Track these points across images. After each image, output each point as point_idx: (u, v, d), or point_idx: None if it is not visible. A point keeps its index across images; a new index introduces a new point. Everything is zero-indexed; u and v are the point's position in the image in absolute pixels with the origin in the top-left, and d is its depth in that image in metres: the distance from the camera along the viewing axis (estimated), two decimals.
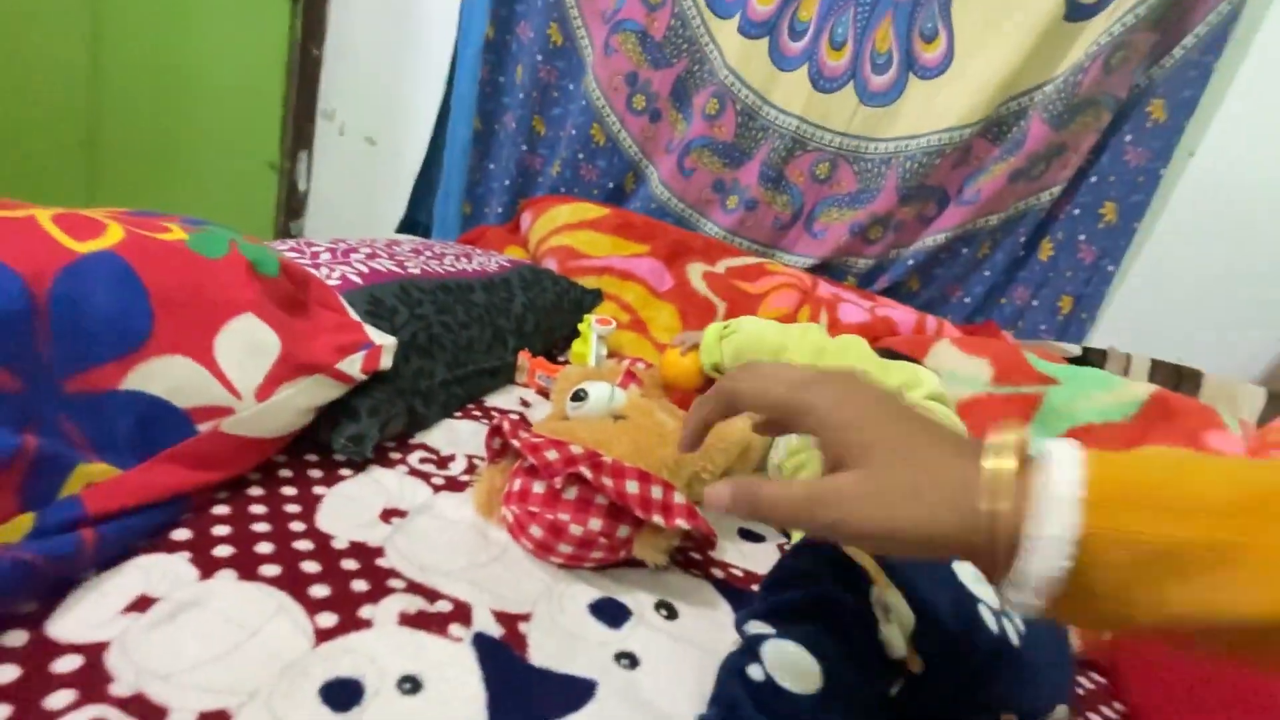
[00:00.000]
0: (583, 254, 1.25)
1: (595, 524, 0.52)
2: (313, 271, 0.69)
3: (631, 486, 0.51)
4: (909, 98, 1.34)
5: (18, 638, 0.38)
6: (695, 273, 1.24)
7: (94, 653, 0.38)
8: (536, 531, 0.53)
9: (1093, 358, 1.16)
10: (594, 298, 1.17)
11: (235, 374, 0.52)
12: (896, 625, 0.41)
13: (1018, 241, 1.39)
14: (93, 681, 0.37)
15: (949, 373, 0.88)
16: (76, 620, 0.40)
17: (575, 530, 0.52)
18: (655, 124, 1.46)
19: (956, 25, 1.28)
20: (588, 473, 0.51)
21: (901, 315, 1.20)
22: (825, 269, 1.44)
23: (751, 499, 0.30)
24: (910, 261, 1.42)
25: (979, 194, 1.34)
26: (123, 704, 0.36)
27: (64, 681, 0.37)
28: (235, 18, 1.47)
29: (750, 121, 1.40)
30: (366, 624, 0.45)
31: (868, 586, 0.42)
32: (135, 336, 0.47)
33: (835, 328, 1.11)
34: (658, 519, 0.51)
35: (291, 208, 1.75)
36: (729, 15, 1.35)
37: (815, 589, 0.42)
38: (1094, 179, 1.32)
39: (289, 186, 1.73)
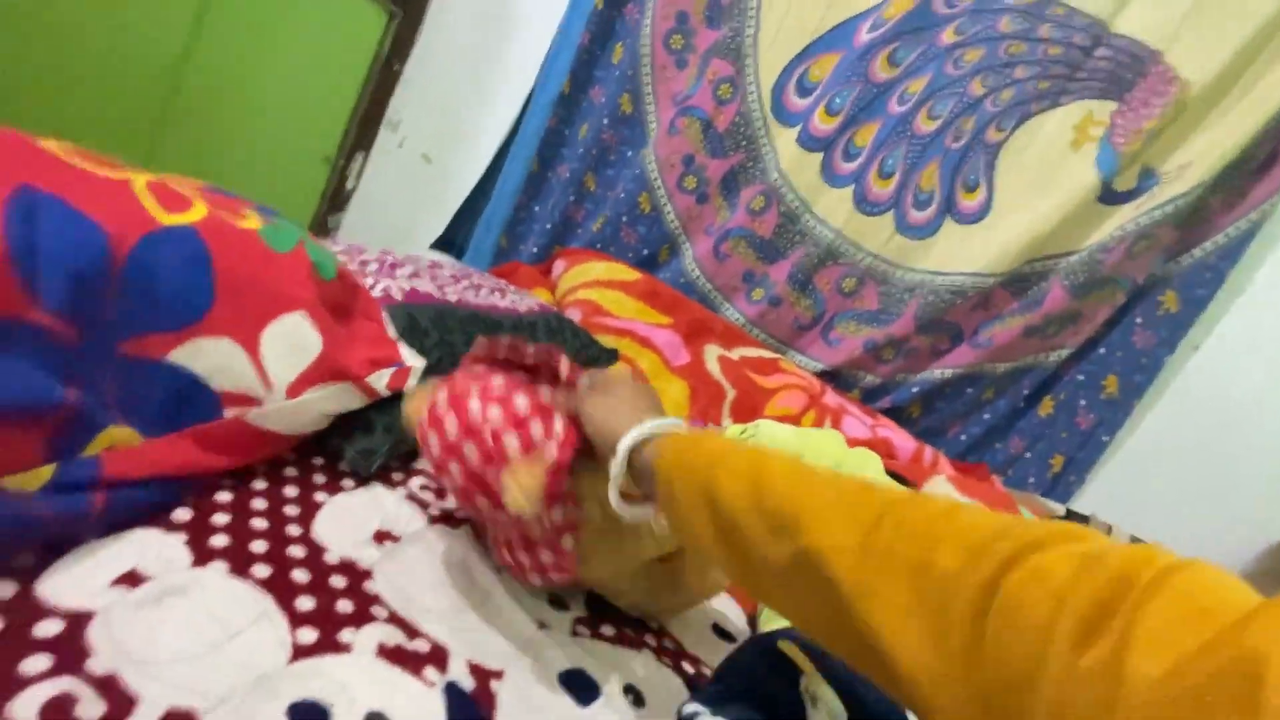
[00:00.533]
0: (607, 312, 1.28)
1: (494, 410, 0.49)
2: (361, 281, 0.71)
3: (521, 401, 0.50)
4: (943, 236, 1.41)
5: (5, 589, 0.37)
6: (711, 354, 1.26)
7: (77, 622, 0.38)
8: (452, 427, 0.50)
9: (1075, 520, 1.18)
10: (610, 357, 1.19)
11: (274, 367, 0.53)
12: (825, 714, 0.44)
13: (1021, 393, 1.43)
14: (71, 652, 0.36)
15: None
16: (67, 583, 0.39)
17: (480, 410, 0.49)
18: (701, 205, 1.53)
19: (998, 182, 1.36)
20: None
21: (901, 440, 1.22)
22: (834, 377, 1.48)
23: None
24: (915, 389, 1.46)
25: (992, 340, 1.39)
26: (96, 683, 0.35)
27: (42, 646, 0.36)
28: (331, 24, 1.55)
29: (791, 224, 1.47)
30: (345, 648, 0.45)
31: (799, 678, 0.46)
32: (193, 312, 0.49)
33: None
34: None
35: (335, 202, 1.79)
36: (791, 124, 1.44)
37: (750, 678, 0.47)
38: (1102, 350, 1.38)
39: (338, 181, 1.77)
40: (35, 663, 0.35)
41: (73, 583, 0.39)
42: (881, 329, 1.45)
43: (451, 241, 1.69)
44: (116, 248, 0.45)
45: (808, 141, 1.42)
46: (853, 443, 1.13)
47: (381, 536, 0.57)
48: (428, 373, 0.72)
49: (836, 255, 1.46)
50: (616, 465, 0.44)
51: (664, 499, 0.42)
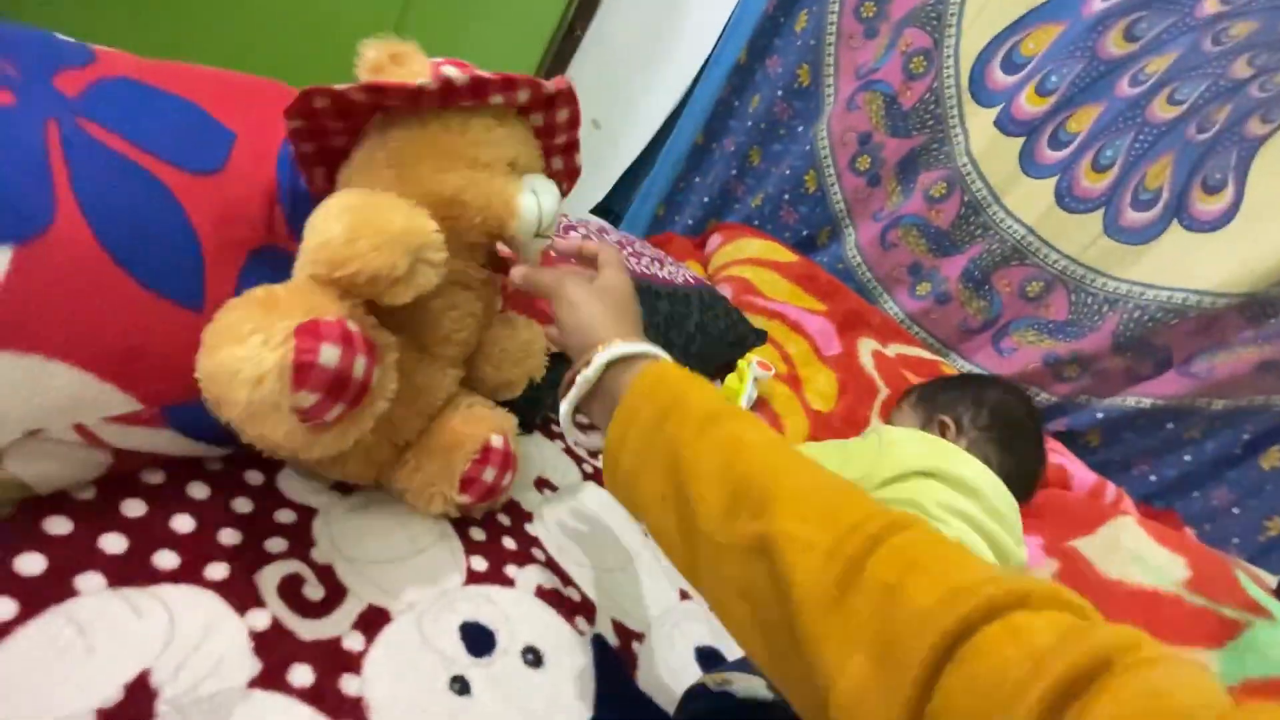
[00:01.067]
0: (759, 292, 1.24)
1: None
2: None
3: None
4: (1163, 244, 1.21)
5: (256, 478, 0.44)
6: (865, 348, 1.19)
7: (305, 515, 0.44)
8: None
9: None
10: (758, 338, 1.16)
11: None
12: None
13: (1239, 438, 1.21)
14: (300, 540, 0.42)
15: (1130, 550, 0.79)
16: (297, 481, 0.45)
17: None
18: (871, 188, 1.43)
19: (1252, 184, 1.14)
20: None
21: (1079, 471, 1.08)
22: None
23: (530, 274, 0.45)
24: (1100, 415, 1.29)
25: (1211, 371, 1.18)
26: (317, 570, 0.41)
27: (280, 530, 0.42)
28: None
29: (974, 215, 1.33)
30: (510, 582, 0.48)
31: None
32: None
33: None
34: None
35: None
36: (990, 105, 1.29)
37: None
38: None
39: None
40: (276, 543, 0.41)
41: (300, 481, 0.46)
42: (1067, 343, 1.29)
43: (609, 208, 1.73)
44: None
45: (1008, 125, 1.27)
46: None
47: (541, 484, 0.60)
48: None
49: (1024, 255, 1.31)
50: (586, 376, 0.39)
51: (617, 431, 0.37)
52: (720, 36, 1.52)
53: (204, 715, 0.31)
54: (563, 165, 0.54)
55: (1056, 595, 0.24)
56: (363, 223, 0.39)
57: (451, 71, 0.43)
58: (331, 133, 0.45)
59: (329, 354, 0.35)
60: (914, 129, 1.36)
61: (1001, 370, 1.34)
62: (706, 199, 1.56)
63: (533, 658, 0.43)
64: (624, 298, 0.43)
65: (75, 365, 0.34)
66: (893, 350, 1.22)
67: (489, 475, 0.49)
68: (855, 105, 1.38)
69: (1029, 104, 1.25)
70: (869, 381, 1.12)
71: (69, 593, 0.33)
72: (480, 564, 0.47)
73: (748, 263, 1.30)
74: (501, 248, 0.51)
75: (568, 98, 0.49)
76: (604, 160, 1.77)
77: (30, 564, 0.33)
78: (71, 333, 0.34)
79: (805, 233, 1.48)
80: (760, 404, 1.03)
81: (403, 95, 0.42)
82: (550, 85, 0.47)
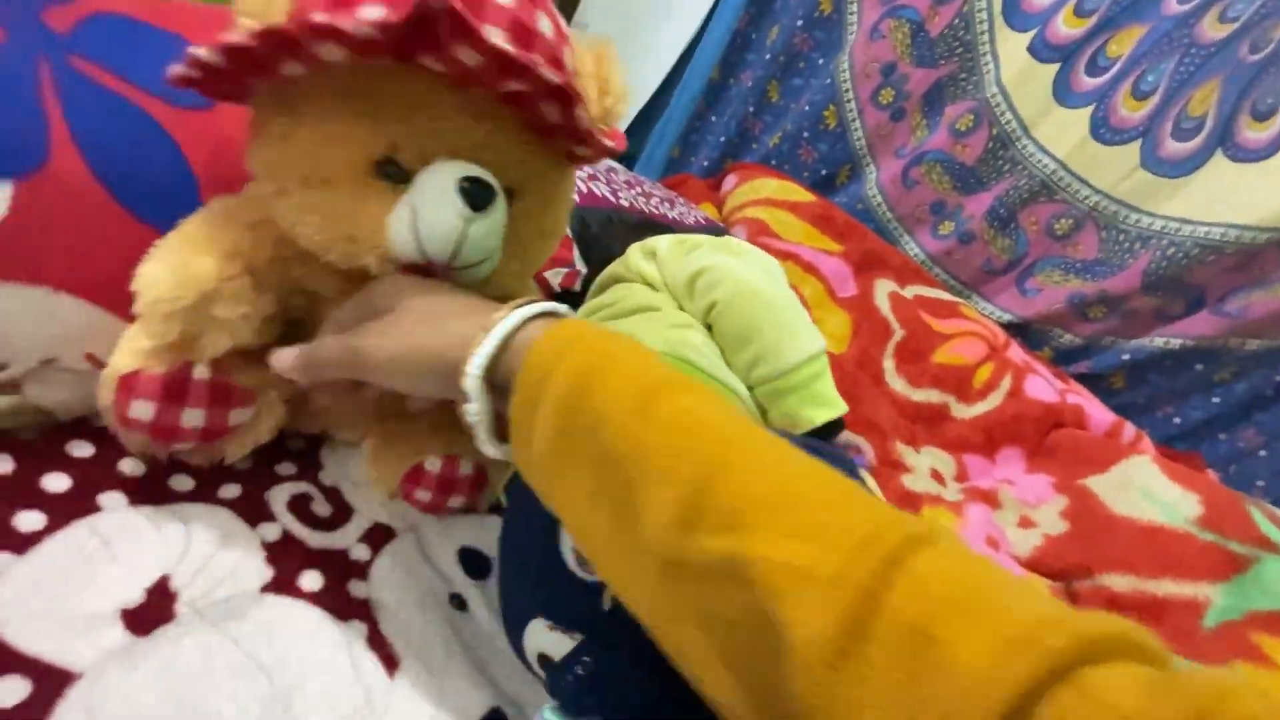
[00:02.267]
0: (774, 233, 1.22)
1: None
2: None
3: None
4: (1205, 176, 1.14)
5: None
6: (882, 290, 1.17)
7: (314, 441, 0.46)
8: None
9: None
10: None
11: None
12: None
13: (1272, 379, 1.17)
14: (309, 464, 0.45)
15: (1140, 488, 0.78)
16: None
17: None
18: (895, 123, 1.37)
19: None
20: None
21: (1097, 411, 1.06)
22: (1023, 331, 1.31)
23: (304, 360, 0.34)
24: (1126, 356, 1.25)
25: (1246, 310, 1.14)
26: (324, 491, 0.43)
27: (291, 456, 0.44)
28: None
29: (1002, 149, 1.27)
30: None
31: None
32: None
33: (1016, 398, 1.01)
34: None
35: None
36: (1023, 29, 1.22)
37: None
38: None
39: None
40: (285, 467, 0.43)
41: None
42: (1095, 282, 1.24)
43: (623, 152, 1.70)
44: None
45: (1042, 50, 1.20)
46: (1034, 406, 1.00)
47: None
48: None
49: (1053, 190, 1.25)
50: (475, 411, 0.29)
51: (521, 413, 0.28)
52: None
53: (220, 616, 0.34)
54: (559, 116, 0.33)
55: (1122, 637, 0.19)
56: (144, 277, 0.32)
57: (200, 51, 0.29)
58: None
59: (140, 409, 0.33)
60: (941, 58, 1.29)
61: (1024, 312, 1.31)
62: (723, 138, 1.51)
63: None
64: (429, 295, 0.32)
65: (80, 296, 0.36)
66: (910, 292, 1.20)
67: (422, 496, 0.43)
68: (879, 34, 1.31)
69: (1066, 26, 1.17)
70: (883, 324, 1.10)
71: (92, 508, 0.36)
72: None
73: (763, 203, 1.27)
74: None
75: (452, 27, 0.28)
76: None
77: (56, 482, 0.36)
78: (74, 265, 0.36)
79: (824, 172, 1.44)
80: None
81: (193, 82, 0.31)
82: (361, 25, 0.27)
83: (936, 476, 0.89)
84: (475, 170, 0.33)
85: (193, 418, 0.34)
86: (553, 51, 0.34)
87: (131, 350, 0.34)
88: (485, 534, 0.47)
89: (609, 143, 0.36)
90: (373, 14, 0.28)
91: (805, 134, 1.42)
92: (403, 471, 0.42)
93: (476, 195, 0.32)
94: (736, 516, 0.22)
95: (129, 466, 0.38)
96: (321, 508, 0.43)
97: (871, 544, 0.21)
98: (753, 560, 0.21)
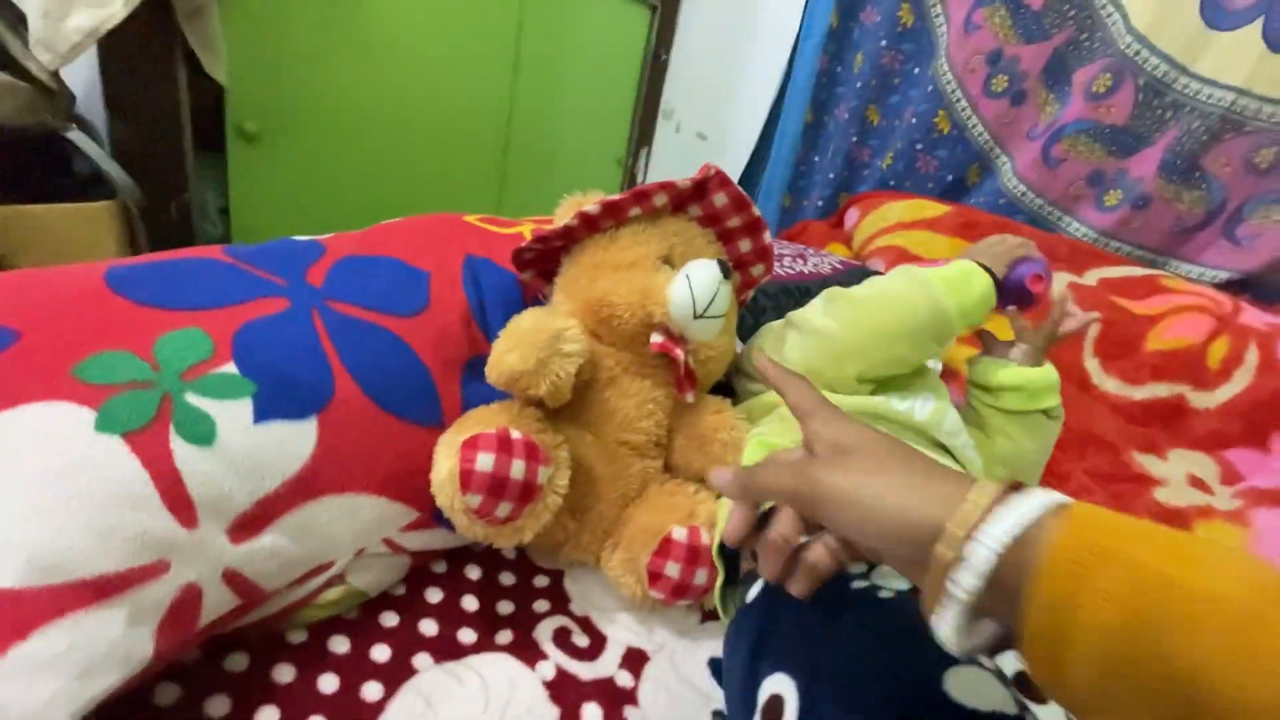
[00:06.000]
0: (916, 256, 1.17)
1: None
2: None
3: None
4: None
5: (510, 552, 0.52)
6: (1057, 283, 1.06)
7: (556, 576, 0.50)
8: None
9: None
10: None
11: None
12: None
13: None
14: (558, 598, 0.49)
15: None
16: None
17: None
18: (1016, 107, 1.28)
19: None
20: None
21: None
22: (1250, 287, 1.11)
23: (745, 477, 0.32)
24: None
25: None
26: (578, 621, 0.47)
27: (541, 594, 0.49)
28: (605, 31, 1.69)
29: (1156, 99, 1.14)
30: None
31: None
32: None
33: (1273, 370, 0.86)
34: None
35: None
36: None
37: None
38: None
39: (629, 181, 1.95)
40: (540, 604, 0.48)
41: None
42: None
43: None
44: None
45: None
46: None
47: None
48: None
49: (1239, 123, 1.09)
50: (969, 586, 0.23)
51: (1049, 651, 0.21)
52: (805, 10, 1.48)
53: None
54: (750, 246, 0.57)
55: None
56: (506, 333, 0.47)
57: (588, 205, 0.51)
58: (545, 270, 0.57)
59: (484, 460, 0.41)
60: (1052, 28, 1.20)
61: (1245, 264, 1.12)
62: (831, 175, 1.50)
63: None
64: (889, 444, 0.29)
65: (374, 494, 0.43)
66: (1092, 277, 1.08)
67: (672, 571, 0.46)
68: (974, 25, 1.25)
69: None
70: None
71: (410, 671, 0.42)
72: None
73: (895, 229, 1.23)
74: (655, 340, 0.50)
75: (718, 182, 0.53)
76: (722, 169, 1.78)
77: (381, 653, 0.42)
78: (365, 469, 0.44)
79: (950, 178, 1.37)
80: (947, 373, 0.96)
81: (555, 236, 0.52)
82: (686, 181, 0.51)
83: (1198, 484, 0.76)
84: (724, 258, 0.54)
85: (518, 469, 0.42)
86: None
87: (458, 429, 0.45)
88: None
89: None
90: (659, 200, 0.53)
91: (919, 146, 1.37)
92: (642, 563, 0.47)
93: (725, 267, 0.51)
94: None
95: (426, 628, 0.45)
96: (580, 639, 0.46)
97: None
98: None
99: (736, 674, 0.38)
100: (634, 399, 0.52)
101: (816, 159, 1.55)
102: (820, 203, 1.53)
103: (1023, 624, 0.22)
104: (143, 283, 0.43)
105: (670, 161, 1.92)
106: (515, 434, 0.43)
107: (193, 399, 0.38)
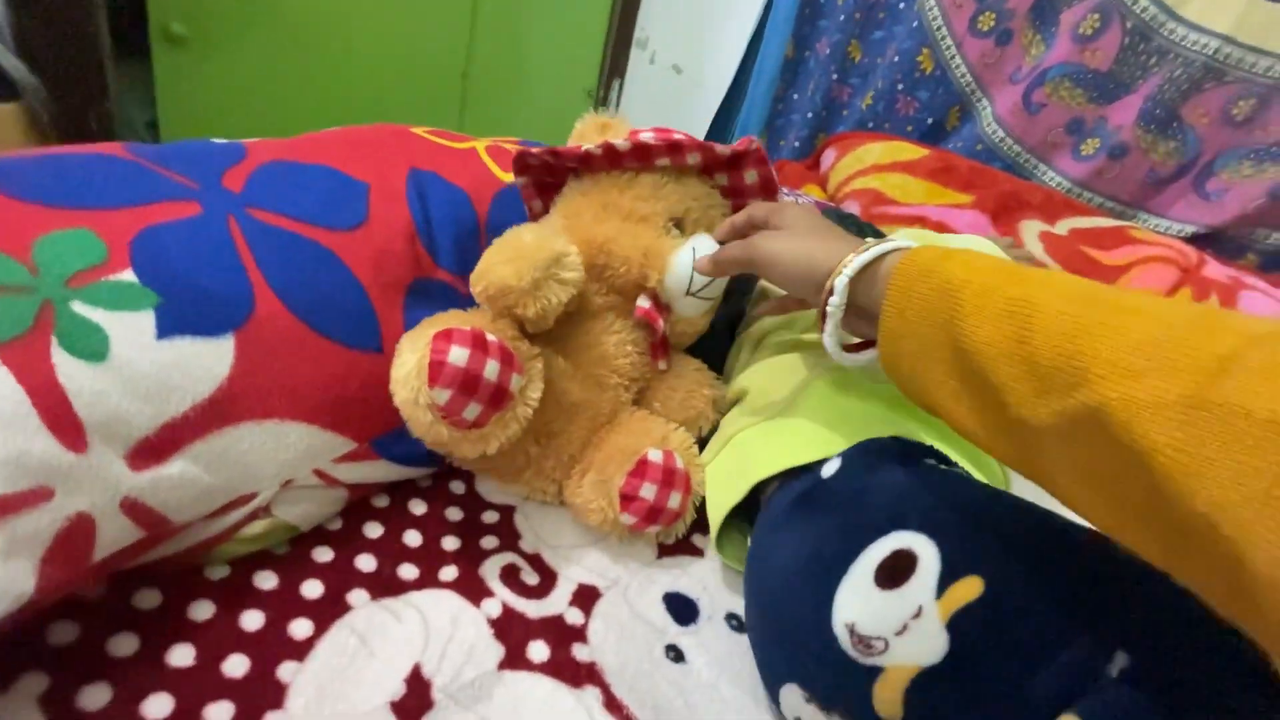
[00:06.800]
0: (891, 199, 1.14)
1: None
2: None
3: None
4: None
5: (459, 487, 0.49)
6: (1030, 231, 1.05)
7: (506, 512, 0.48)
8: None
9: None
10: None
11: None
12: None
13: None
14: (508, 534, 0.46)
15: None
16: (493, 484, 0.50)
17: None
18: (1001, 48, 1.24)
19: None
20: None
21: None
22: (1214, 242, 1.12)
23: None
24: None
25: None
26: (528, 558, 0.45)
27: (490, 530, 0.46)
28: None
29: (1142, 43, 1.11)
30: (699, 551, 0.49)
31: None
32: None
33: None
34: None
35: None
36: None
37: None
38: None
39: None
40: (488, 540, 0.46)
41: (494, 485, 0.50)
42: None
43: None
44: (478, 207, 0.53)
45: None
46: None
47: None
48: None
49: (1221, 72, 1.07)
50: (836, 302, 0.37)
51: (888, 338, 0.35)
52: None
53: (471, 698, 0.36)
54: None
55: None
56: (502, 244, 0.43)
57: (617, 140, 0.48)
58: (542, 181, 0.53)
59: (457, 354, 0.38)
60: None
61: (1212, 219, 1.12)
62: (810, 114, 1.45)
63: (736, 623, 0.45)
64: (818, 222, 0.42)
65: (301, 421, 0.40)
66: (1064, 227, 1.07)
67: (647, 492, 0.45)
68: None
69: None
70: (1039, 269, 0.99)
71: (344, 608, 0.39)
72: (667, 537, 0.49)
73: (871, 170, 1.19)
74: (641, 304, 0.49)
75: (755, 159, 0.49)
76: (694, 105, 1.70)
77: (312, 588, 0.40)
78: (292, 394, 0.40)
79: (930, 120, 1.33)
80: None
81: (573, 157, 0.49)
82: (726, 148, 0.48)
83: None
84: None
85: (491, 369, 0.39)
86: None
87: (429, 324, 0.40)
88: (686, 578, 0.46)
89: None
90: (692, 158, 0.49)
91: (900, 86, 1.32)
92: (616, 484, 0.45)
93: None
94: (1078, 376, 0.25)
95: (364, 563, 0.42)
96: (529, 576, 0.44)
97: (1225, 366, 0.21)
98: (1103, 406, 0.23)
99: (826, 538, 0.37)
100: (615, 336, 0.50)
101: (795, 96, 1.49)
102: (798, 143, 1.48)
103: (879, 328, 0.35)
104: (23, 176, 0.37)
105: (644, 95, 1.83)
106: (491, 336, 0.40)
107: (80, 308, 0.33)
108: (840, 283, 0.37)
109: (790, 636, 0.36)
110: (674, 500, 0.46)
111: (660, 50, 1.79)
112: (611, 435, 0.49)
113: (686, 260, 0.47)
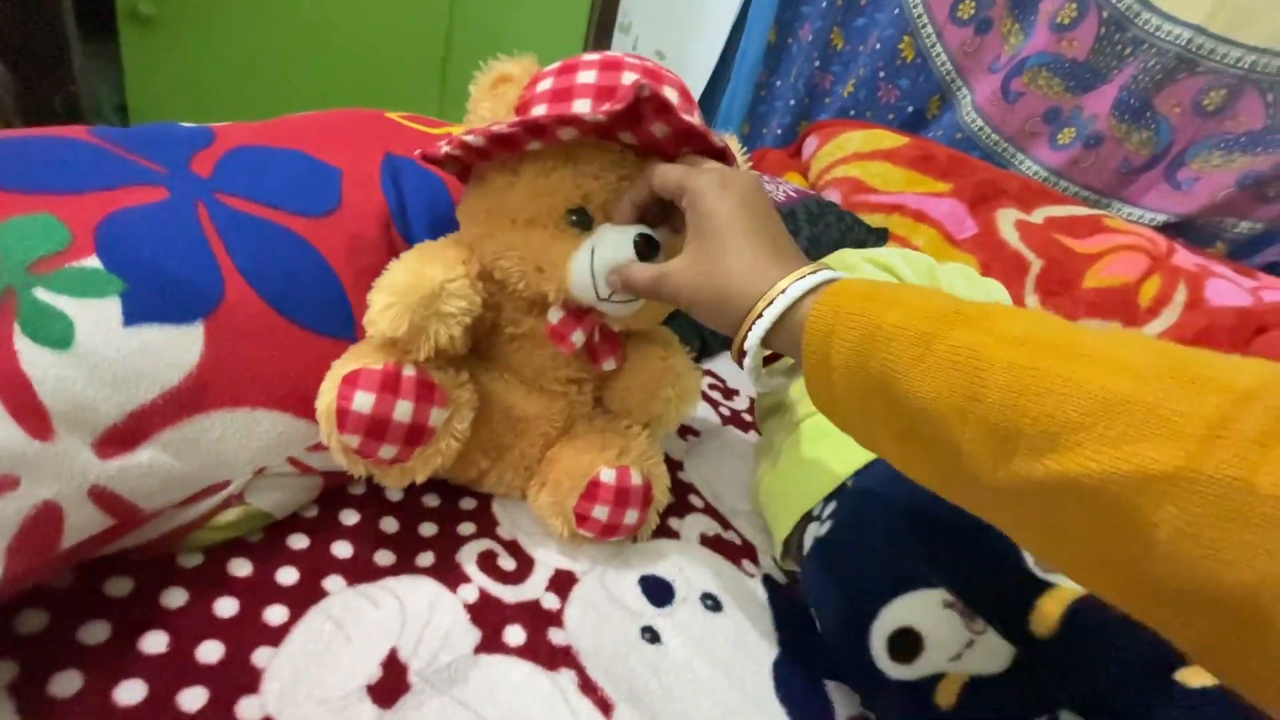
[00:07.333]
0: (871, 188, 1.15)
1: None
2: None
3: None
4: None
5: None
6: (1006, 220, 1.07)
7: (484, 499, 0.48)
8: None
9: None
10: (879, 238, 1.08)
11: None
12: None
13: None
14: (485, 521, 0.47)
15: None
16: None
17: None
18: (981, 36, 1.25)
19: None
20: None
21: None
22: (1184, 230, 1.14)
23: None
24: None
25: None
26: (505, 545, 0.45)
27: (467, 516, 0.47)
28: None
29: (1118, 34, 1.12)
30: (675, 534, 0.50)
31: None
32: None
33: (1198, 308, 0.89)
34: None
35: None
36: None
37: None
38: None
39: None
40: (466, 527, 0.46)
41: None
42: (1268, 154, 1.06)
43: None
44: (454, 194, 0.53)
45: None
46: (1224, 314, 0.87)
47: (683, 430, 0.61)
48: None
49: (1193, 63, 1.08)
50: (749, 365, 0.33)
51: (814, 390, 0.31)
52: None
53: (446, 681, 0.36)
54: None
55: None
56: (379, 286, 0.39)
57: (470, 136, 0.39)
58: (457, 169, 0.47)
59: (361, 400, 0.37)
60: None
61: (1183, 208, 1.14)
62: (792, 101, 1.45)
63: (711, 603, 0.45)
64: (736, 218, 0.34)
65: (273, 409, 0.40)
66: (1040, 215, 1.09)
67: (600, 514, 0.44)
68: None
69: None
70: (1015, 257, 1.01)
71: (320, 594, 0.39)
72: None
73: (852, 159, 1.20)
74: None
75: (652, 109, 0.37)
76: None
77: (287, 575, 0.40)
78: (262, 382, 0.39)
79: (911, 109, 1.34)
80: None
81: (456, 156, 0.41)
82: (593, 115, 0.36)
83: None
84: (647, 230, 0.40)
85: (403, 410, 0.39)
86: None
87: (352, 356, 0.39)
88: (663, 561, 0.47)
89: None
90: (607, 107, 0.37)
91: (882, 74, 1.33)
92: (568, 505, 0.44)
93: (646, 248, 0.39)
94: (1051, 440, 0.21)
95: (341, 550, 0.42)
96: (507, 562, 0.45)
97: (1229, 421, 0.18)
98: (1079, 476, 0.20)
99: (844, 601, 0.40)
100: (548, 349, 0.45)
101: (778, 83, 1.48)
102: (779, 131, 1.48)
103: (803, 364, 0.31)
104: None
105: None
106: (408, 370, 0.39)
107: (44, 295, 0.32)
108: (751, 344, 0.32)
109: (835, 639, 0.41)
110: (630, 517, 0.45)
111: (643, 35, 1.78)
112: (565, 451, 0.46)
113: (584, 267, 0.40)
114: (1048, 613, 0.34)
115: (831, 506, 0.45)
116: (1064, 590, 0.35)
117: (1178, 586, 0.19)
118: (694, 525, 0.51)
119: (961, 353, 0.24)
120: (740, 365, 0.34)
